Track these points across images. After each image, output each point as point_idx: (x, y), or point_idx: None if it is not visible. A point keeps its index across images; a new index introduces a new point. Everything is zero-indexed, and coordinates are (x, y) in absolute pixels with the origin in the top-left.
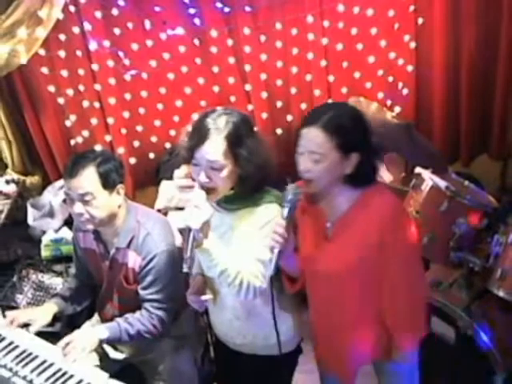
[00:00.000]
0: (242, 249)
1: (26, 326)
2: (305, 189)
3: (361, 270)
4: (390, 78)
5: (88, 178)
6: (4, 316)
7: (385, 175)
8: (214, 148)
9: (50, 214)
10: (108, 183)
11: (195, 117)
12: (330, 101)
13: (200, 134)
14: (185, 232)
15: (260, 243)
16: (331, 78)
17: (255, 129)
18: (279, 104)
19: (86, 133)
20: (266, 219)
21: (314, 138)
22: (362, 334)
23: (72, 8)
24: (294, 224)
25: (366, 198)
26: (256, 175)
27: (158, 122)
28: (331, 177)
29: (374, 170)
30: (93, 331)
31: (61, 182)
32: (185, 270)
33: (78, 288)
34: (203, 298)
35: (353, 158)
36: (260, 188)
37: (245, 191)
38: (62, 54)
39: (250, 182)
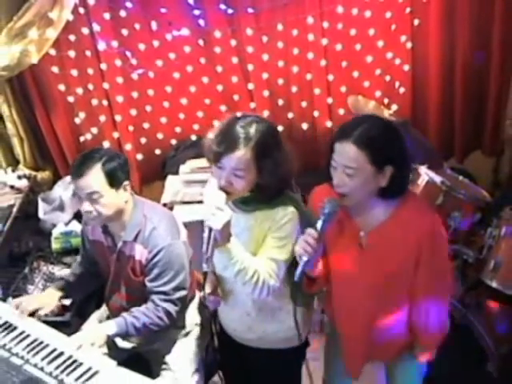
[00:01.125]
0: (257, 248)
1: (32, 314)
2: (340, 202)
3: (396, 279)
4: (388, 77)
5: (94, 178)
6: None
7: None
8: (242, 158)
9: (60, 207)
10: (114, 181)
11: (224, 122)
12: (329, 99)
13: (229, 142)
14: (205, 233)
15: (274, 244)
16: (331, 77)
17: (282, 139)
18: (280, 102)
19: (94, 130)
20: (282, 221)
21: (347, 153)
22: (388, 336)
23: (81, 10)
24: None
25: (403, 211)
26: (276, 186)
27: (164, 120)
28: (366, 190)
29: (408, 181)
30: (101, 327)
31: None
32: (205, 269)
33: (83, 274)
34: (216, 298)
35: (387, 171)
36: (277, 195)
37: (262, 196)
38: (71, 53)
39: (269, 191)
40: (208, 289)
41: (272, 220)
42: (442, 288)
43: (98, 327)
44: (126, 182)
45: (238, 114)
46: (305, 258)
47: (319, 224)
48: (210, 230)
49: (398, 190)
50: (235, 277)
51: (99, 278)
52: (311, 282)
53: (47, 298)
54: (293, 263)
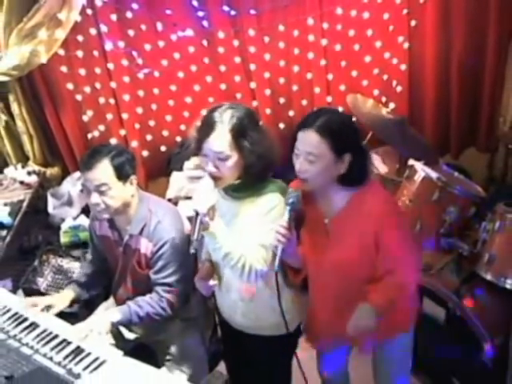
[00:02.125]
0: (246, 234)
1: (46, 307)
2: (301, 187)
3: (360, 260)
4: (385, 77)
5: (103, 170)
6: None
7: (380, 167)
8: (220, 140)
9: (69, 202)
10: (122, 174)
11: (204, 112)
12: (328, 98)
13: (207, 127)
14: (193, 217)
15: (263, 229)
16: (330, 77)
17: (259, 122)
18: (282, 100)
19: (102, 127)
20: (269, 207)
21: (309, 140)
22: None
23: (89, 11)
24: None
25: (360, 196)
26: (259, 164)
27: (169, 117)
28: (326, 176)
29: (366, 170)
30: (105, 315)
31: (79, 173)
32: (191, 251)
33: (93, 273)
34: (210, 283)
35: (345, 159)
36: (264, 176)
37: (249, 180)
38: (79, 53)
39: (253, 170)
40: (198, 274)
41: (260, 206)
42: (401, 240)
43: (103, 316)
44: (133, 176)
45: (216, 104)
46: (280, 247)
47: (286, 214)
48: (197, 214)
49: (357, 178)
50: (223, 260)
51: (108, 275)
52: (295, 272)
53: (60, 300)
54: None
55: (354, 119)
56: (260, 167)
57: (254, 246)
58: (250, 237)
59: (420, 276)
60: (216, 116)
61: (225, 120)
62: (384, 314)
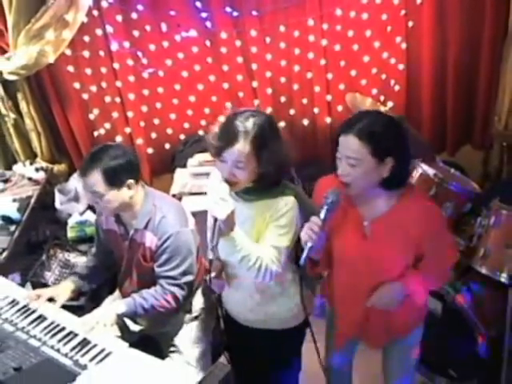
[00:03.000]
0: (259, 236)
1: (50, 300)
2: (345, 191)
3: (398, 263)
4: (383, 76)
5: (94, 179)
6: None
7: None
8: (241, 151)
9: (76, 198)
10: (113, 182)
11: (224, 118)
12: (328, 97)
13: (229, 136)
14: (208, 221)
15: (276, 231)
16: (330, 76)
17: (279, 129)
18: (283, 99)
19: (107, 125)
20: (283, 210)
21: (349, 145)
22: (384, 320)
23: (95, 12)
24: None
25: (405, 202)
26: (275, 173)
27: (173, 116)
28: (368, 180)
29: (408, 173)
30: (110, 307)
31: None
32: (211, 257)
33: (96, 267)
34: (221, 283)
35: (388, 163)
36: (278, 182)
37: (263, 185)
38: (86, 53)
39: (269, 178)
40: (213, 273)
41: (273, 209)
42: (440, 273)
43: (108, 308)
44: (130, 181)
45: (237, 110)
46: (309, 244)
47: (322, 213)
48: (215, 219)
49: (399, 182)
50: (239, 263)
51: (111, 269)
52: (314, 265)
53: (61, 290)
54: (295, 250)
55: (396, 120)
56: (276, 175)
57: (268, 247)
58: (264, 239)
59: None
60: (239, 125)
61: (247, 130)
62: (409, 300)
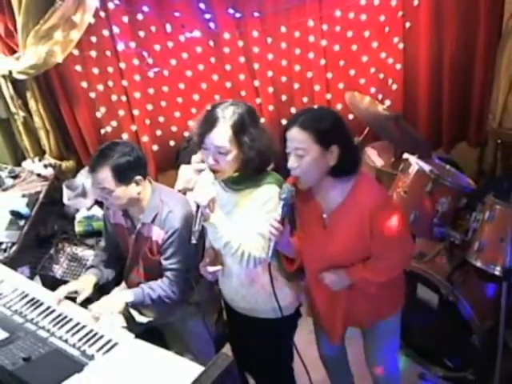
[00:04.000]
0: (245, 224)
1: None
2: (299, 186)
3: (355, 251)
4: (381, 75)
5: (103, 176)
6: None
7: (377, 160)
8: (221, 135)
9: (83, 194)
10: (122, 179)
11: (207, 108)
12: (328, 95)
13: (209, 122)
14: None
15: (260, 219)
16: (329, 75)
17: (259, 119)
18: (284, 98)
19: (114, 123)
20: (266, 198)
21: (294, 136)
22: (356, 299)
23: (102, 13)
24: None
25: (356, 191)
26: (257, 159)
27: (177, 114)
28: (317, 170)
29: (356, 160)
30: (119, 296)
31: None
32: (193, 241)
33: (108, 260)
34: (211, 269)
35: (333, 151)
36: (261, 170)
37: (248, 173)
38: (93, 53)
39: (251, 165)
40: (203, 262)
41: (258, 197)
42: (393, 255)
43: (117, 296)
44: (138, 177)
45: (219, 101)
46: (272, 242)
47: (279, 209)
48: (198, 206)
49: (348, 169)
50: (223, 249)
51: (120, 261)
52: (290, 261)
53: (84, 284)
54: None
55: (337, 112)
56: (258, 162)
57: (252, 234)
58: (248, 226)
59: (407, 265)
60: (218, 112)
61: (227, 116)
62: (351, 287)
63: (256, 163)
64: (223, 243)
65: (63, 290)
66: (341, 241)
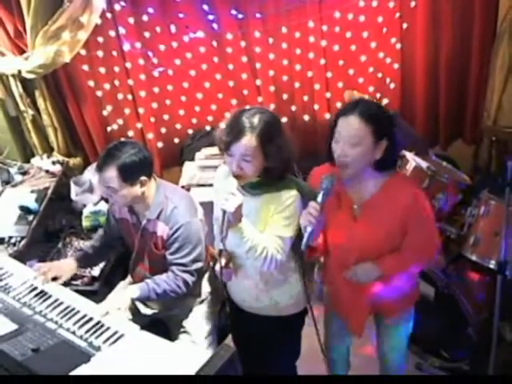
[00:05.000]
0: (264, 227)
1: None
2: (340, 174)
3: (384, 246)
4: (380, 74)
5: (110, 176)
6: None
7: None
8: (248, 144)
9: (90, 190)
10: (128, 179)
11: (231, 115)
12: (327, 94)
13: (236, 131)
14: (214, 213)
15: (280, 222)
16: (329, 75)
17: (284, 128)
18: (285, 96)
19: (120, 121)
20: (287, 203)
21: (352, 125)
22: (380, 290)
23: (109, 15)
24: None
25: (391, 186)
26: (280, 168)
27: (181, 112)
28: (365, 161)
29: (397, 156)
30: (125, 292)
31: None
32: (221, 247)
33: (100, 247)
34: (230, 270)
35: (382, 144)
36: (282, 176)
37: (269, 179)
38: (100, 53)
39: (274, 172)
40: (223, 264)
41: (277, 202)
42: (425, 252)
43: (123, 292)
44: (144, 178)
45: (244, 108)
46: (309, 229)
47: (319, 197)
48: (224, 212)
49: (390, 163)
50: (247, 253)
51: (112, 249)
52: (312, 250)
53: (65, 268)
54: (298, 240)
55: (389, 109)
56: (281, 170)
57: (273, 237)
58: (268, 230)
59: (434, 257)
60: (245, 121)
61: (254, 125)
62: (383, 280)
63: (278, 171)
64: (248, 247)
65: (46, 273)
66: (371, 232)
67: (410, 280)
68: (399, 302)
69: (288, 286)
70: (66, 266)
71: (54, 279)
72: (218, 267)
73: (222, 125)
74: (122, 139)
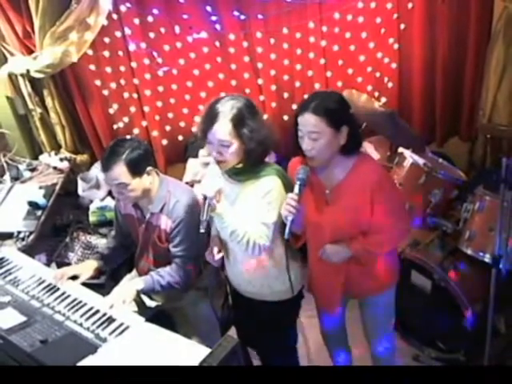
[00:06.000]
0: (248, 213)
1: (73, 278)
2: (310, 164)
3: (356, 223)
4: (378, 74)
5: (119, 172)
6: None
7: (373, 154)
8: (222, 129)
9: (97, 186)
10: (136, 171)
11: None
12: None
13: (210, 118)
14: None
15: (262, 209)
16: (329, 74)
17: (258, 111)
18: (286, 95)
19: (126, 119)
20: (267, 189)
21: (308, 122)
22: (353, 272)
23: (115, 16)
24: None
25: (358, 168)
26: (258, 149)
27: (185, 110)
28: (331, 150)
29: (360, 137)
30: (130, 284)
31: None
32: (201, 230)
33: (116, 248)
34: (218, 256)
35: (343, 131)
36: (261, 160)
37: (250, 164)
38: (106, 53)
39: (253, 154)
40: (209, 249)
41: (260, 188)
42: (395, 229)
43: (128, 285)
44: (149, 168)
45: (218, 97)
46: (290, 218)
47: (296, 188)
48: (205, 197)
49: (355, 146)
50: (230, 237)
51: (129, 250)
52: (297, 238)
53: (85, 268)
54: (284, 225)
55: (342, 94)
56: (259, 151)
57: (256, 223)
58: (251, 215)
59: (404, 239)
60: (218, 107)
61: (226, 111)
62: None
63: (257, 153)
64: (229, 232)
65: (64, 271)
66: (343, 214)
67: (384, 260)
68: (374, 282)
69: (277, 270)
70: (86, 264)
71: (74, 278)
72: (207, 253)
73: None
74: (128, 136)
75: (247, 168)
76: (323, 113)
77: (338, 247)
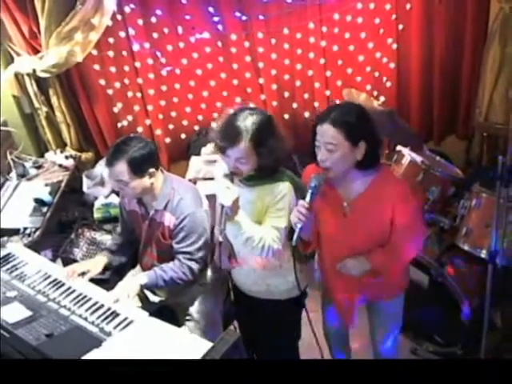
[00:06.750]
0: (260, 218)
1: (82, 274)
2: (325, 175)
3: (376, 239)
4: (376, 73)
5: (120, 169)
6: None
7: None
8: (242, 150)
9: (101, 183)
10: (137, 171)
11: (224, 117)
12: (327, 92)
13: (231, 137)
14: (215, 207)
15: (274, 215)
16: (328, 74)
17: (277, 127)
18: (286, 94)
19: (130, 117)
20: (280, 195)
21: (326, 133)
22: (370, 283)
23: (119, 16)
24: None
25: (378, 182)
26: (274, 164)
27: (188, 109)
28: (345, 163)
29: (379, 155)
30: (133, 279)
31: None
32: (220, 239)
33: (123, 244)
34: (228, 263)
35: (361, 147)
36: (276, 170)
37: (263, 174)
38: (110, 53)
39: (268, 169)
40: (226, 253)
41: (272, 194)
42: (413, 243)
43: (131, 280)
44: (152, 170)
45: (236, 109)
46: (299, 225)
47: (308, 196)
48: (222, 206)
49: (372, 163)
50: (244, 243)
51: (134, 245)
52: (306, 244)
53: (94, 264)
54: (292, 229)
55: (364, 108)
56: (274, 166)
57: (269, 228)
58: (264, 221)
59: (419, 249)
60: (238, 126)
61: (246, 130)
62: (372, 273)
63: (272, 167)
64: (245, 238)
65: (74, 268)
66: (362, 228)
67: (400, 269)
68: (387, 290)
69: (284, 271)
70: (95, 261)
71: (83, 274)
72: (216, 256)
73: (216, 126)
74: (132, 135)
75: (260, 175)
76: (342, 125)
77: (358, 261)
